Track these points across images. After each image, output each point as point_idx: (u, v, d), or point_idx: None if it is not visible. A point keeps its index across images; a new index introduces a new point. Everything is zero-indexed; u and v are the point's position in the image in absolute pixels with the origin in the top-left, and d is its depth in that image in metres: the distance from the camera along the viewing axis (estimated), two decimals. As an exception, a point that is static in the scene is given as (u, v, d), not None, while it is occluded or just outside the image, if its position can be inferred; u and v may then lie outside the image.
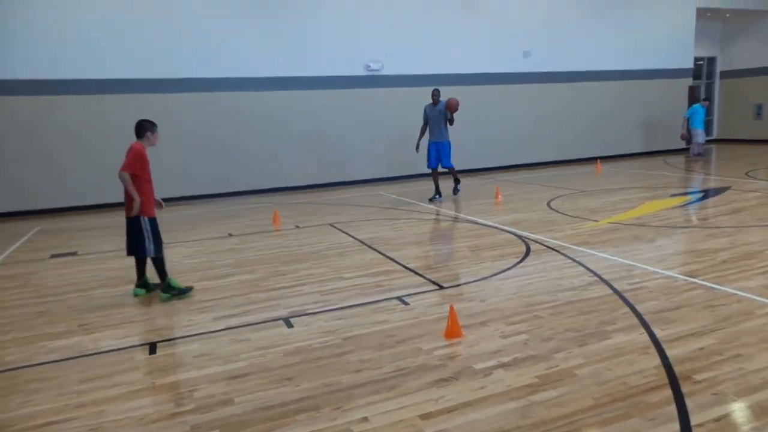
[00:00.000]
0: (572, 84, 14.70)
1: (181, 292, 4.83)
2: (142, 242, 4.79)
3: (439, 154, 9.59)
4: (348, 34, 12.25)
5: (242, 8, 11.39)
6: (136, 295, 4.95)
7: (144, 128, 4.90)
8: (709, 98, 14.88)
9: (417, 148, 9.81)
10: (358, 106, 12.38)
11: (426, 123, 9.67)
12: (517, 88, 14.08)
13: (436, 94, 9.43)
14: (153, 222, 4.86)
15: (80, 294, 5.13)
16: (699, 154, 14.45)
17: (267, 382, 3.17)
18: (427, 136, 9.78)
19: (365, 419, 2.71)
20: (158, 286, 4.91)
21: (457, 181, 10.05)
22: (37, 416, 2.91)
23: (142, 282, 5.01)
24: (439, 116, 9.40)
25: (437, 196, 9.71)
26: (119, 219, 9.39)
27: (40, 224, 9.36)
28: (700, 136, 14.28)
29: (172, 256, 6.47)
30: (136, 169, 4.77)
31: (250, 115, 11.70)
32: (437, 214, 8.41)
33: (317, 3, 11.98)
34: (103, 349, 3.77)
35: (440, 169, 9.77)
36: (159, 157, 10.94)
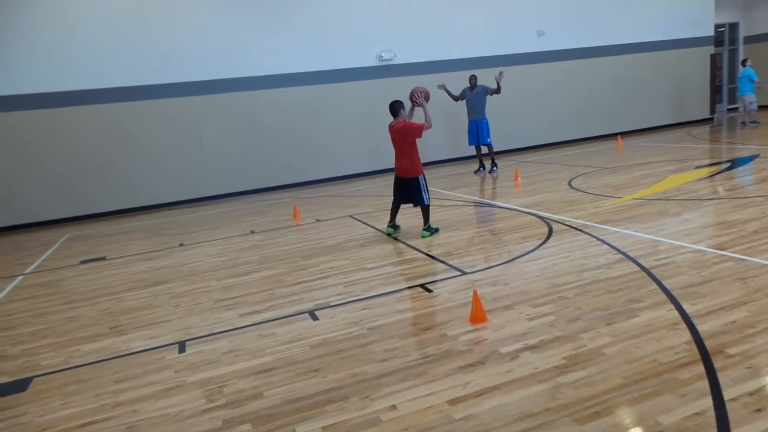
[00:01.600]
0: (588, 60, 14.39)
1: (436, 231, 6.22)
2: (420, 194, 6.13)
3: (478, 131, 10.68)
4: (358, 25, 12.19)
5: (251, 8, 11.41)
6: (389, 234, 6.41)
7: (396, 108, 6.12)
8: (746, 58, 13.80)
9: (450, 94, 10.64)
10: (373, 97, 12.32)
11: (461, 98, 10.71)
12: (532, 68, 13.84)
13: (473, 80, 10.54)
14: (425, 178, 6.21)
15: (110, 297, 5.25)
16: (753, 122, 13.38)
17: (294, 374, 3.21)
18: (466, 115, 10.89)
19: (393, 407, 2.73)
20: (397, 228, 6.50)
21: (493, 162, 11.01)
22: (77, 417, 3.00)
23: (392, 224, 6.44)
24: (477, 97, 10.46)
25: (481, 169, 11.08)
26: (143, 223, 9.65)
27: (70, 231, 9.60)
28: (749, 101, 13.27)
29: (197, 256, 6.58)
30: (420, 134, 6.00)
31: (265, 113, 11.76)
32: (457, 200, 8.37)
33: (325, -5, 11.95)
34: (134, 350, 3.86)
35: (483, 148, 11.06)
36: (179, 159, 11.19)
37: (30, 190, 10.36)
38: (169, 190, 11.24)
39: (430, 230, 6.23)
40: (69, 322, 4.64)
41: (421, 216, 6.34)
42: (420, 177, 6.17)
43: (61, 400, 3.22)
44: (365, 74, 12.42)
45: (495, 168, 10.93)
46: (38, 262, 7.34)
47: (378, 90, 12.26)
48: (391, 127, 6.23)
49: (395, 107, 6.21)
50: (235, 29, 11.33)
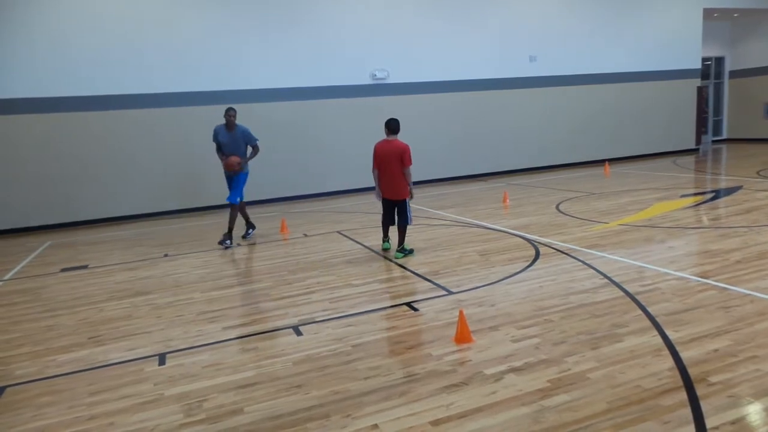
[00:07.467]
0: (578, 87, 14.63)
1: (410, 252, 6.19)
2: (406, 215, 6.12)
3: (230, 185, 7.59)
4: (353, 43, 12.30)
5: (248, 20, 11.47)
6: (386, 249, 6.49)
7: (396, 127, 6.17)
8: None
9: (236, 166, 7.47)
10: (365, 115, 12.39)
11: (215, 141, 7.54)
12: (523, 93, 14.05)
13: (231, 115, 7.29)
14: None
15: (91, 307, 5.15)
16: None
17: (276, 390, 3.15)
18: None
19: (375, 426, 2.69)
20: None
21: (249, 225, 8.09)
22: (48, 430, 2.92)
23: (387, 239, 6.53)
24: (237, 142, 7.39)
25: (227, 241, 7.39)
26: (128, 232, 9.53)
27: (52, 238, 9.45)
28: None
29: (181, 267, 6.50)
30: (408, 163, 6.08)
31: (257, 126, 11.65)
32: (446, 220, 8.38)
33: (323, 13, 12.05)
34: (112, 361, 3.78)
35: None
36: (170, 169, 11.12)
37: (13, 195, 10.19)
38: (156, 200, 11.14)
39: (404, 251, 6.19)
40: (47, 331, 4.54)
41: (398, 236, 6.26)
42: (407, 199, 6.15)
43: (33, 411, 3.13)
44: (358, 92, 12.50)
45: (249, 233, 8.04)
46: (18, 268, 7.20)
47: (371, 108, 12.34)
48: (383, 144, 6.21)
49: (394, 125, 6.15)
50: (229, 42, 11.36)
